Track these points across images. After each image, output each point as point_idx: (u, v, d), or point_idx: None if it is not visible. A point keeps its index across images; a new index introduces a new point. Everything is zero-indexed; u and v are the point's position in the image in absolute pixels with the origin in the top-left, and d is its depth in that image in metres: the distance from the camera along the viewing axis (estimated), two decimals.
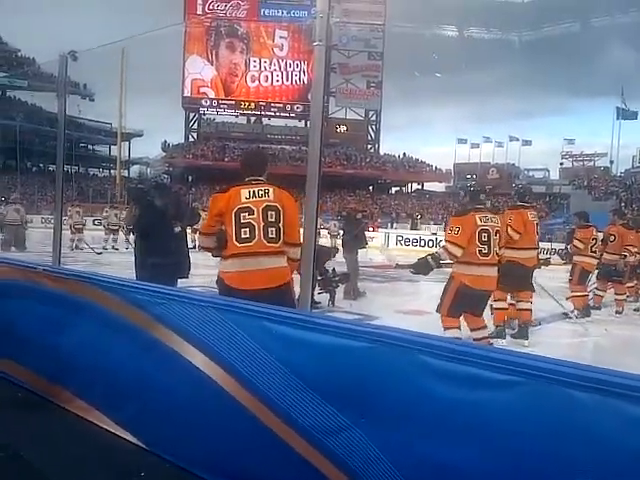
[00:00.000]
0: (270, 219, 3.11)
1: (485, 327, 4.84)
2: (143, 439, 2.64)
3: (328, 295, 7.35)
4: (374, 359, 1.78)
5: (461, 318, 4.78)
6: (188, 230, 5.50)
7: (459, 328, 4.68)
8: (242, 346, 2.14)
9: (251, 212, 3.10)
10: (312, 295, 2.20)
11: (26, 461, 2.60)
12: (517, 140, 49.09)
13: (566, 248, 8.45)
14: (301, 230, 2.40)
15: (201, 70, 46.71)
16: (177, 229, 4.65)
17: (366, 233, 9.77)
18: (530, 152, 50.16)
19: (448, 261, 4.75)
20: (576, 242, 7.61)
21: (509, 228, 5.75)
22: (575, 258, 7.78)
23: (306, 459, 1.92)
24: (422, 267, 4.74)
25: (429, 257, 4.77)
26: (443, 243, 4.85)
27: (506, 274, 5.64)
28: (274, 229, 3.12)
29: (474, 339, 4.69)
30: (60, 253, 3.50)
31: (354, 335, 1.83)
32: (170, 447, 2.49)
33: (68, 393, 3.13)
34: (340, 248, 8.95)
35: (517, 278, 5.79)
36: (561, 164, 49.13)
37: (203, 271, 6.61)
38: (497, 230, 4.67)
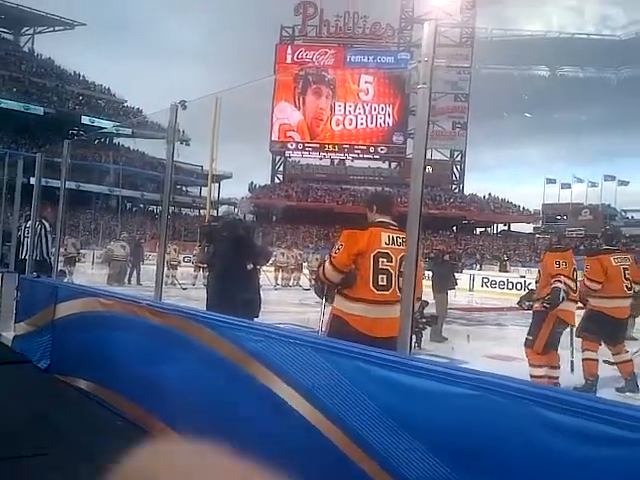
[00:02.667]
0: (402, 270, 3.00)
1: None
2: None
3: (414, 337, 7.19)
4: (480, 408, 1.69)
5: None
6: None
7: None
8: (339, 388, 2.12)
9: (389, 259, 3.04)
10: (410, 338, 2.15)
11: None
12: (613, 179, 46.43)
13: None
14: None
15: (289, 115, 48.54)
16: (249, 267, 4.59)
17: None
18: (628, 192, 47.10)
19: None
20: None
21: (586, 279, 5.37)
22: None
23: None
24: (554, 300, 5.03)
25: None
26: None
27: (593, 324, 5.32)
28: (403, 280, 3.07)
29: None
30: (162, 288, 3.67)
31: (459, 381, 1.75)
32: None
33: (162, 424, 3.22)
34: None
35: (605, 329, 5.32)
36: None
37: (286, 308, 6.69)
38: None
